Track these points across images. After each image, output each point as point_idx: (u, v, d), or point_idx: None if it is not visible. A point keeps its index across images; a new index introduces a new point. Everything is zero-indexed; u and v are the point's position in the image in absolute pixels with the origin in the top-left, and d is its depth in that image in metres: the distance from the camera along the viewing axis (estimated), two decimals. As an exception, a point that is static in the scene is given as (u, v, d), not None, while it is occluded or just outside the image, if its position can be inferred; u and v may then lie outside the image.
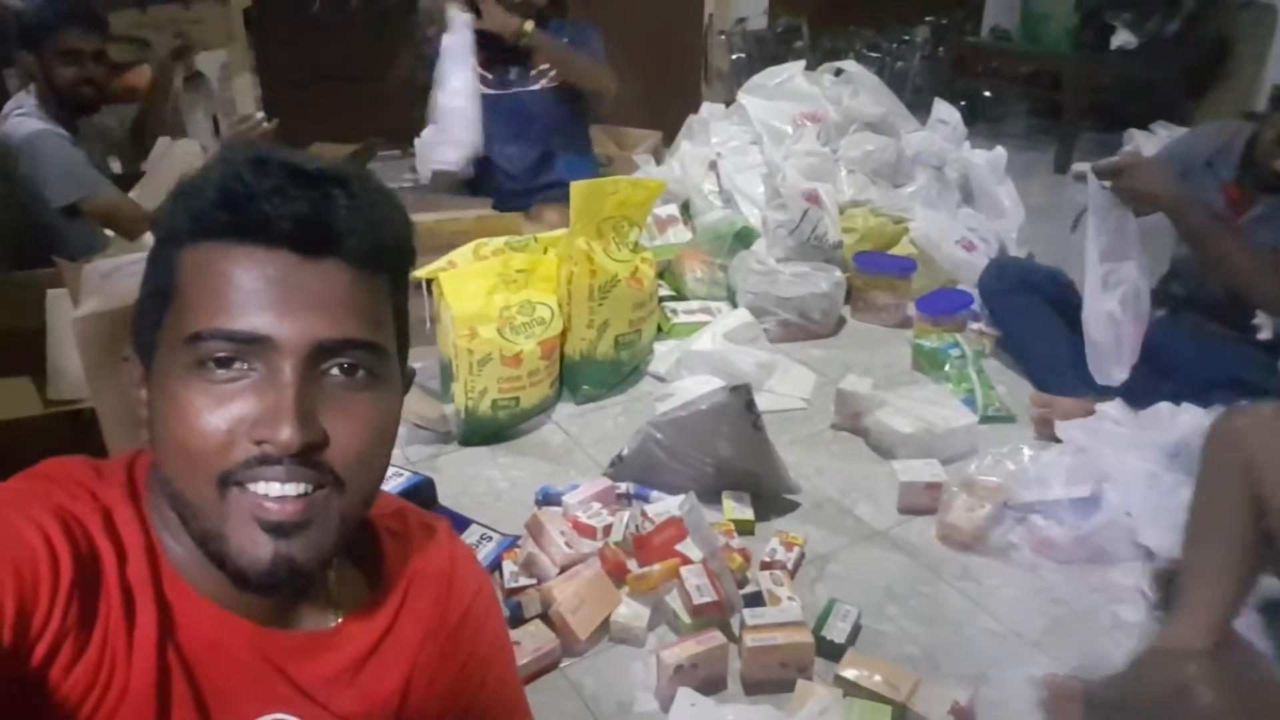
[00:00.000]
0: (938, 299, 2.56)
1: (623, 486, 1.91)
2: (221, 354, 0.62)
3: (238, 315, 0.62)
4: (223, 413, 0.62)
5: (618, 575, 1.65)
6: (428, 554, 0.85)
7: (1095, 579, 1.76)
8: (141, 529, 0.68)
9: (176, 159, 2.36)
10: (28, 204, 2.21)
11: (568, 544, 1.69)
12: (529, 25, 2.73)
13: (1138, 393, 2.12)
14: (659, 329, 2.50)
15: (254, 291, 0.63)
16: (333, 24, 3.71)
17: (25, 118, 2.24)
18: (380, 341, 0.68)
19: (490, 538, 1.76)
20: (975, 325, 2.52)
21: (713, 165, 2.90)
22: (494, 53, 2.82)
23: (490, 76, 2.85)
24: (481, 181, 2.90)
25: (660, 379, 2.37)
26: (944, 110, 3.24)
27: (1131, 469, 1.89)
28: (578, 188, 2.12)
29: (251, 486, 0.63)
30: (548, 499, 1.88)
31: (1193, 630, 1.35)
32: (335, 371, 0.65)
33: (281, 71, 3.68)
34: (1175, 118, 4.13)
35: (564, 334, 2.20)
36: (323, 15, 3.85)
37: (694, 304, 2.64)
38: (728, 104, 4.58)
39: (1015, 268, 2.51)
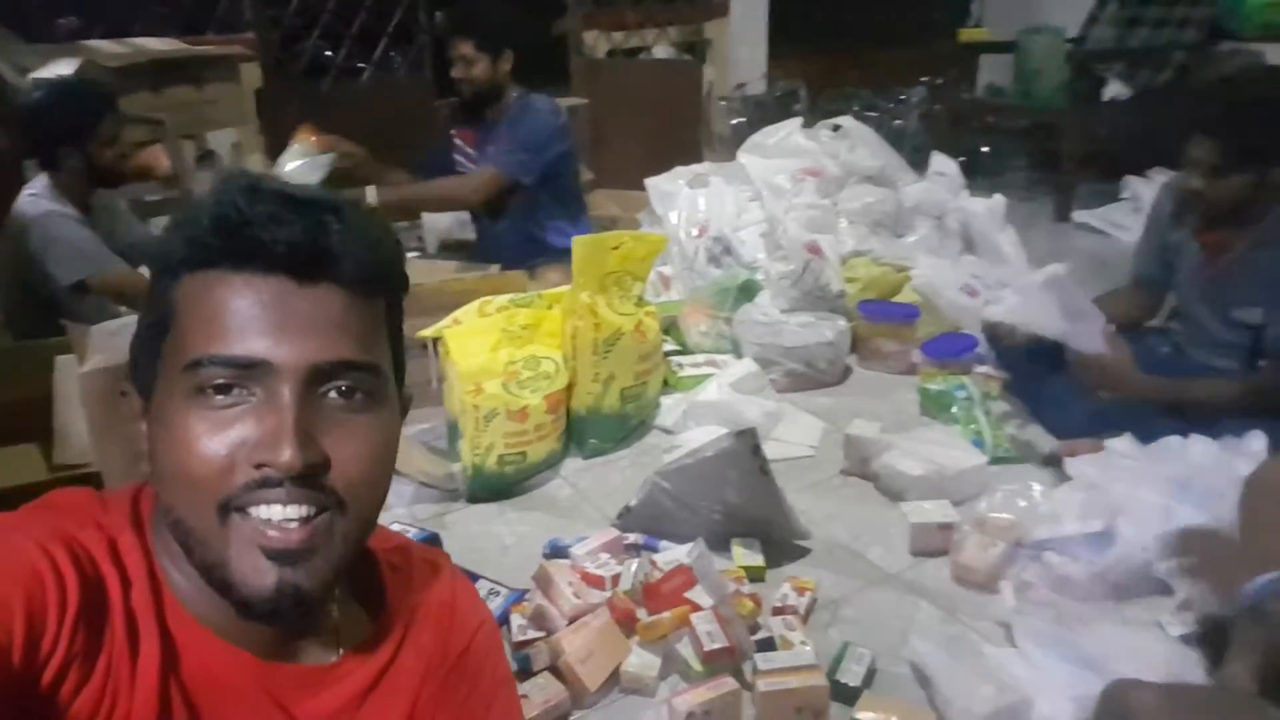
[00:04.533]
0: (942, 343, 2.57)
1: (631, 537, 1.90)
2: (220, 380, 0.63)
3: (235, 341, 0.64)
4: (223, 438, 0.63)
5: (627, 624, 1.63)
6: (430, 589, 0.85)
7: (1113, 614, 1.73)
8: (145, 559, 0.68)
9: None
10: (37, 281, 2.27)
11: (576, 595, 1.67)
12: (370, 193, 2.59)
13: (1145, 429, 2.11)
14: (665, 383, 2.50)
15: (251, 317, 0.64)
16: (343, 103, 3.81)
17: (38, 198, 2.31)
18: (377, 363, 0.69)
19: (498, 592, 1.74)
20: (982, 369, 2.51)
21: (704, 229, 2.94)
22: (477, 130, 2.89)
23: (473, 153, 2.92)
24: (484, 251, 2.96)
25: (668, 431, 2.36)
26: (942, 162, 3.29)
27: (1144, 503, 1.86)
28: (580, 242, 2.16)
29: (253, 511, 0.63)
30: (555, 551, 1.87)
31: (1246, 675, 1.32)
32: (333, 394, 0.66)
33: (293, 151, 3.78)
34: (1171, 163, 4.17)
35: (570, 388, 2.20)
36: (333, 95, 3.96)
37: (699, 357, 2.65)
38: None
39: (1020, 311, 2.52)
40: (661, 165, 3.47)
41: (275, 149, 3.16)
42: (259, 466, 0.63)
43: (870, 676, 1.55)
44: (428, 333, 2.17)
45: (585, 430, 2.25)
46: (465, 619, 0.87)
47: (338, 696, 0.75)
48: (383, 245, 0.72)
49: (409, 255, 3.22)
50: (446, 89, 3.18)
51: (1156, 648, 1.61)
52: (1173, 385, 2.10)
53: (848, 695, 1.50)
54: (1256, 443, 1.92)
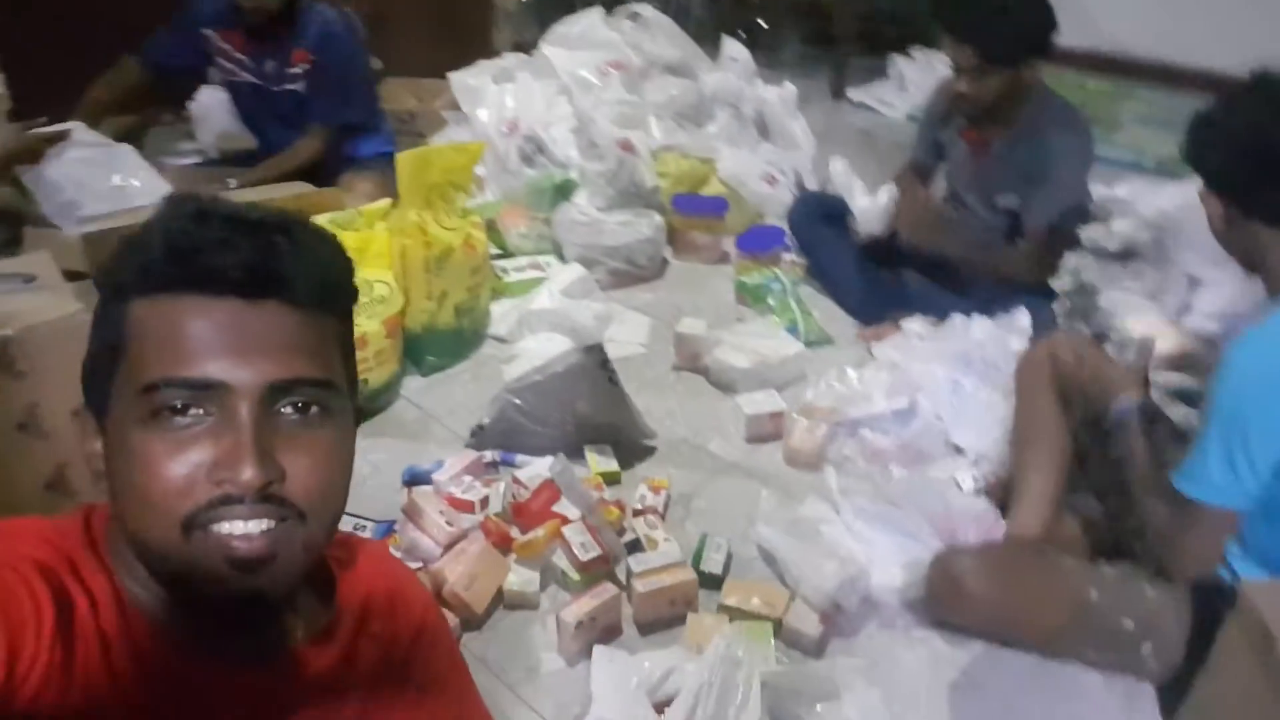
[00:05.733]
0: (754, 237, 2.73)
1: (488, 455, 1.96)
2: (177, 402, 0.65)
3: (192, 364, 0.65)
4: (182, 458, 0.65)
5: (503, 545, 1.71)
6: (375, 579, 0.90)
7: (918, 477, 1.99)
8: (107, 578, 0.69)
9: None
10: None
11: (448, 522, 1.73)
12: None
13: (931, 307, 2.39)
14: (492, 290, 2.51)
15: (206, 339, 0.66)
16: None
17: None
18: (331, 378, 0.72)
19: (364, 526, 1.76)
20: (787, 256, 2.70)
21: (514, 127, 2.90)
22: (251, 36, 2.59)
23: (248, 60, 2.64)
24: (271, 154, 2.74)
25: (502, 340, 2.40)
26: (734, 48, 3.38)
27: (937, 378, 2.13)
28: (404, 159, 2.10)
29: (215, 527, 0.65)
30: (416, 479, 1.90)
31: (1032, 520, 1.60)
32: (289, 410, 0.69)
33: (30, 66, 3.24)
34: (929, 42, 4.50)
35: (403, 308, 2.18)
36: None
37: (522, 260, 2.66)
38: (516, 45, 4.54)
39: (817, 201, 2.72)
40: (451, 45, 3.34)
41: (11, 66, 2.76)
42: (219, 484, 0.65)
43: (728, 562, 1.73)
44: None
45: (422, 348, 2.24)
46: (412, 605, 0.93)
47: (301, 688, 0.79)
48: (333, 262, 0.74)
49: (187, 162, 2.97)
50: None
51: (955, 503, 1.88)
52: (959, 247, 2.40)
53: (713, 582, 1.68)
54: (1023, 319, 2.24)
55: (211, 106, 3.12)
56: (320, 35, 2.56)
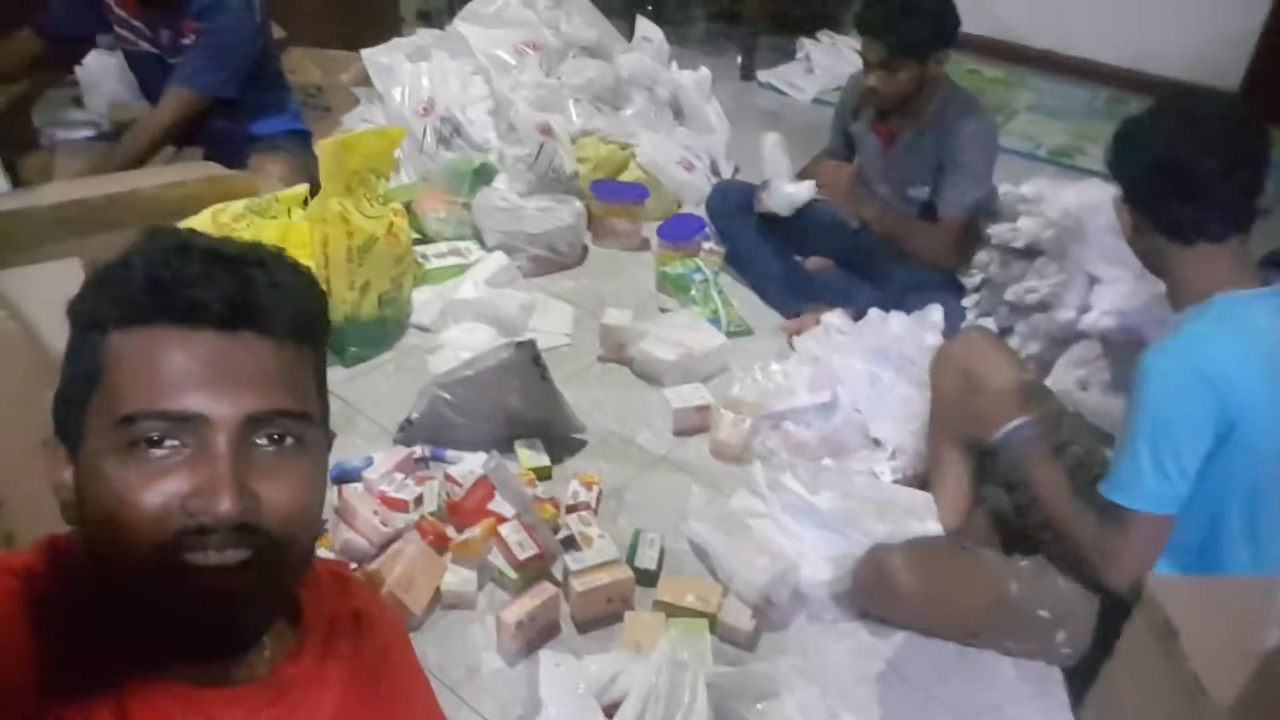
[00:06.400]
0: (676, 226, 2.75)
1: (417, 450, 1.94)
2: (154, 434, 0.65)
3: (171, 396, 0.66)
4: (158, 489, 0.65)
5: (440, 545, 1.71)
6: (341, 600, 0.90)
7: (839, 469, 2.07)
8: (76, 608, 0.69)
9: None
10: None
11: (382, 522, 1.71)
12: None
13: (848, 298, 2.47)
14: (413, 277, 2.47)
15: (185, 372, 0.66)
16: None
17: None
18: (307, 410, 0.73)
19: (293, 525, 1.72)
20: (707, 245, 2.74)
21: (429, 108, 2.83)
22: (145, 2, 2.40)
23: (144, 28, 2.45)
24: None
25: (425, 329, 2.36)
26: (647, 28, 3.37)
27: (856, 371, 2.21)
28: (325, 148, 2.03)
29: (189, 557, 0.65)
30: (345, 476, 1.87)
31: (950, 514, 1.68)
32: (264, 442, 0.69)
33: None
34: (836, 26, 4.59)
35: (324, 298, 2.12)
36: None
37: (443, 246, 2.62)
38: (421, 14, 4.41)
39: (737, 191, 2.75)
40: (355, 14, 3.24)
41: None
42: (194, 515, 0.65)
43: (662, 557, 1.77)
44: (155, 248, 1.96)
45: (345, 339, 2.19)
46: (376, 624, 0.93)
47: (270, 710, 0.79)
48: (309, 294, 0.75)
49: (80, 136, 2.79)
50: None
51: (873, 494, 1.96)
52: (878, 210, 2.47)
53: (648, 579, 1.71)
54: (935, 314, 2.33)
55: (101, 74, 2.95)
56: (209, 4, 2.42)
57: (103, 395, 0.67)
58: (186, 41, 2.44)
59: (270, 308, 0.69)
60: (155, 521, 0.64)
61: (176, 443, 0.65)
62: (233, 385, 0.67)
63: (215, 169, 2.23)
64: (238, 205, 2.07)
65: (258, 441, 0.68)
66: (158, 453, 0.65)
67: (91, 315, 0.69)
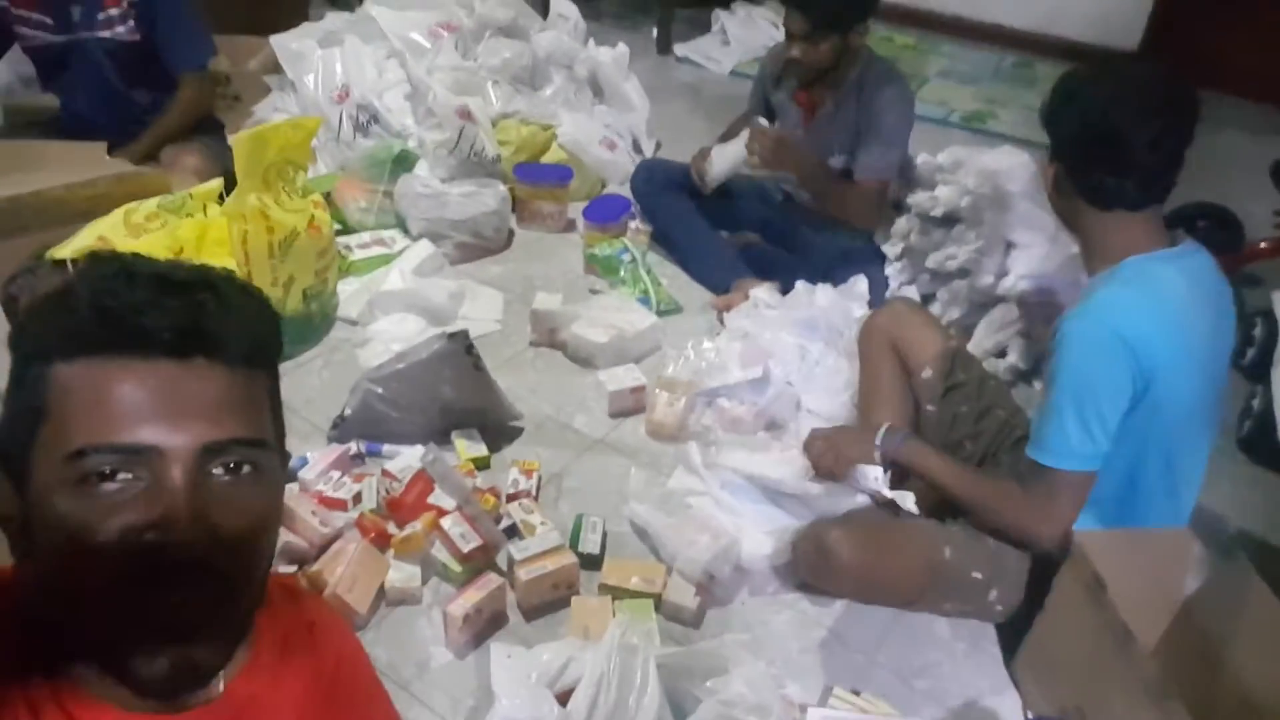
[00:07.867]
0: (601, 207, 2.74)
1: (352, 447, 1.91)
2: (106, 468, 0.64)
3: (122, 428, 0.64)
4: (112, 523, 0.63)
5: (381, 542, 1.69)
6: (293, 613, 0.90)
7: (772, 443, 2.11)
8: (29, 645, 0.67)
9: None
10: None
11: (321, 522, 1.69)
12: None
13: (775, 272, 2.51)
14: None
15: (136, 403, 0.64)
16: None
17: None
18: (263, 437, 0.71)
19: (229, 531, 1.69)
20: (633, 224, 2.74)
21: (344, 95, 2.77)
22: None
23: (48, 19, 2.35)
24: (73, 122, 2.50)
25: (353, 323, 2.32)
26: (563, 5, 3.34)
27: (786, 345, 2.25)
28: (239, 141, 1.97)
29: (145, 592, 0.64)
30: (280, 477, 1.83)
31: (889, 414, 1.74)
32: (220, 471, 0.68)
33: None
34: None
35: (247, 296, 2.07)
36: None
37: (366, 236, 2.58)
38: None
39: (662, 169, 2.75)
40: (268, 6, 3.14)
41: None
42: (151, 550, 0.64)
43: (604, 540, 1.79)
44: (65, 251, 1.89)
45: (269, 337, 2.14)
46: (329, 637, 0.93)
47: None
48: (261, 317, 0.73)
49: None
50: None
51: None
52: (811, 167, 2.48)
53: (592, 563, 1.73)
54: (861, 285, 2.39)
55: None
56: None
57: (50, 429, 0.65)
58: (112, 13, 2.35)
59: (222, 334, 0.67)
60: (110, 557, 0.62)
61: (130, 476, 0.63)
62: (186, 415, 0.65)
63: (124, 166, 2.15)
64: (150, 204, 2.01)
65: (213, 471, 0.66)
66: (110, 487, 0.63)
67: (35, 346, 0.67)
